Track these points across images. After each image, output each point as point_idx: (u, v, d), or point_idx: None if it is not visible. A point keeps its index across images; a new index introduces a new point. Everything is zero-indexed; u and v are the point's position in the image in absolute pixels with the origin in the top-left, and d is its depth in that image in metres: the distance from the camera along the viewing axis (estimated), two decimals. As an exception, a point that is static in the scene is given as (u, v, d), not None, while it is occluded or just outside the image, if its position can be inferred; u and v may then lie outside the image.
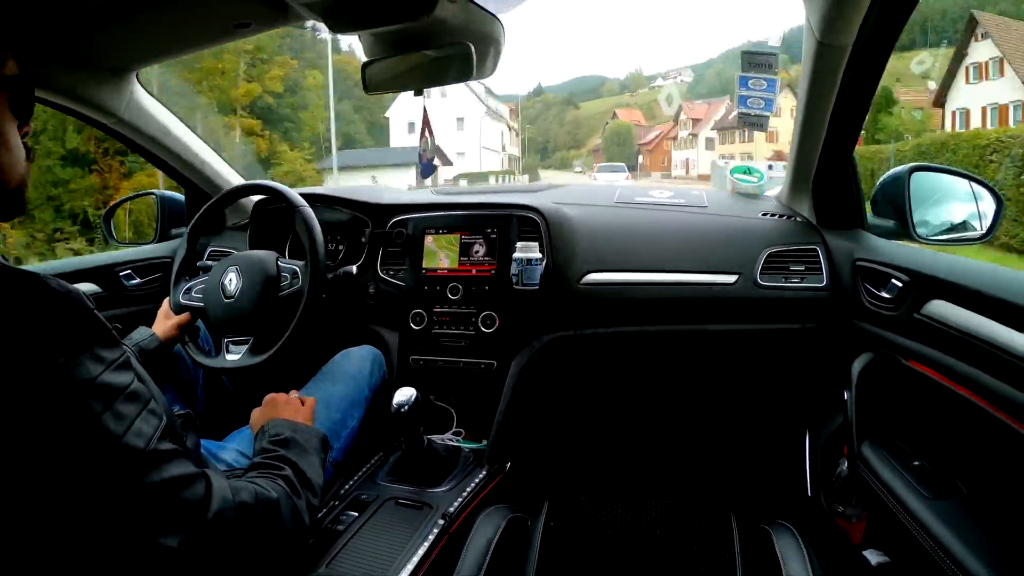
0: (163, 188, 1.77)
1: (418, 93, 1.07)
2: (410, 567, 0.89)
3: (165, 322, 1.18)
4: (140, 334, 1.13)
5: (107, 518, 0.57)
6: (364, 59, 1.08)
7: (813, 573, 0.92)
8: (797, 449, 1.35)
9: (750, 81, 1.16)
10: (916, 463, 0.99)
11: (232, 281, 1.15)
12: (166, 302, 1.23)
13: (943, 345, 0.90)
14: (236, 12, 1.03)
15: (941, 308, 0.90)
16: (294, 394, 1.05)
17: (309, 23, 1.08)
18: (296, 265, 1.18)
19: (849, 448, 1.11)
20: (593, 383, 1.52)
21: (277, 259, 1.19)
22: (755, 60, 1.15)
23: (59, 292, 0.56)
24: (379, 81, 1.06)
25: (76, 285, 0.59)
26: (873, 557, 1.06)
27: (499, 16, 0.99)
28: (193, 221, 1.27)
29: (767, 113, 1.18)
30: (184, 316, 1.18)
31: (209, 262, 1.28)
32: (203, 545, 0.62)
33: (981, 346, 0.80)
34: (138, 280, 1.53)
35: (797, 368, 1.36)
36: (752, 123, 1.18)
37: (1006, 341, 0.76)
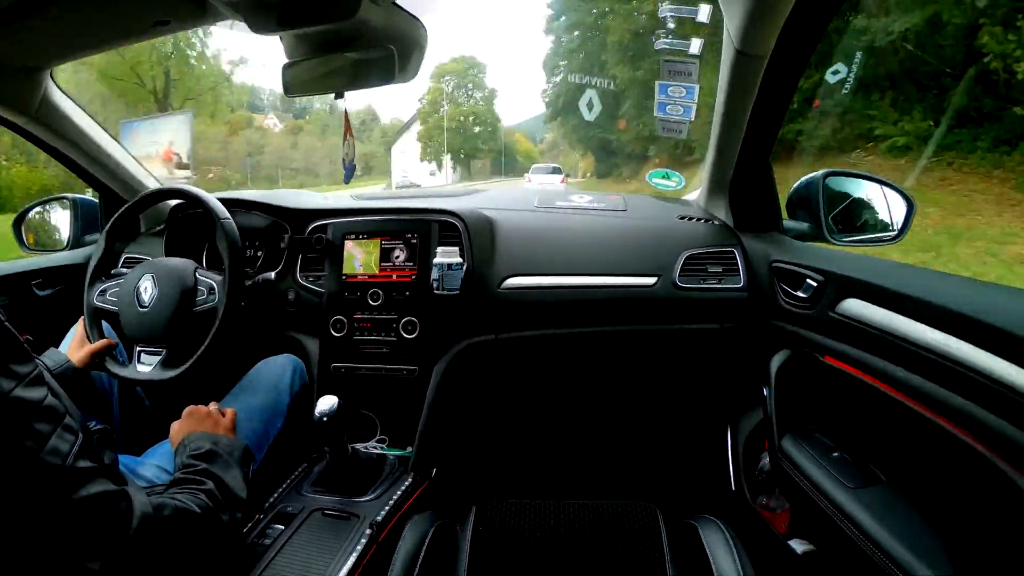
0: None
1: (339, 96, 1.05)
2: None
3: (80, 350, 1.10)
4: (53, 359, 1.05)
5: (24, 540, 0.55)
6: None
7: (741, 564, 0.94)
8: (720, 445, 1.38)
9: (669, 88, 1.20)
10: (835, 454, 1.03)
11: (147, 290, 1.10)
12: (80, 326, 1.16)
13: (857, 341, 0.94)
14: (154, 9, 1.01)
15: (854, 306, 0.95)
16: (213, 406, 1.03)
17: (229, 22, 1.05)
18: (214, 279, 1.14)
19: (770, 442, 1.14)
20: (516, 386, 1.52)
21: (195, 270, 1.15)
22: (674, 68, 1.19)
23: None
24: (299, 84, 1.04)
25: None
26: (798, 546, 1.10)
27: (421, 18, 0.99)
28: (110, 223, 1.21)
29: (686, 120, 1.22)
30: (101, 343, 1.11)
31: (124, 269, 1.23)
32: (125, 565, 0.60)
33: (892, 341, 0.84)
34: (50, 289, 1.45)
35: (718, 366, 1.39)
36: (671, 129, 1.22)
37: (915, 335, 0.80)
